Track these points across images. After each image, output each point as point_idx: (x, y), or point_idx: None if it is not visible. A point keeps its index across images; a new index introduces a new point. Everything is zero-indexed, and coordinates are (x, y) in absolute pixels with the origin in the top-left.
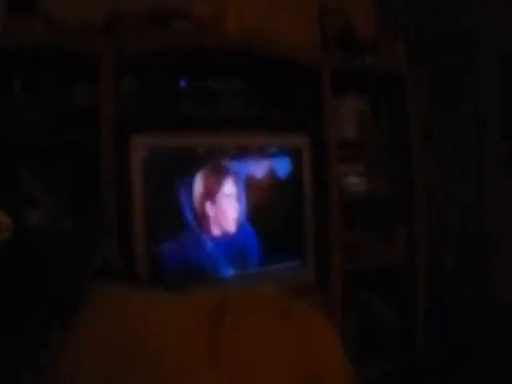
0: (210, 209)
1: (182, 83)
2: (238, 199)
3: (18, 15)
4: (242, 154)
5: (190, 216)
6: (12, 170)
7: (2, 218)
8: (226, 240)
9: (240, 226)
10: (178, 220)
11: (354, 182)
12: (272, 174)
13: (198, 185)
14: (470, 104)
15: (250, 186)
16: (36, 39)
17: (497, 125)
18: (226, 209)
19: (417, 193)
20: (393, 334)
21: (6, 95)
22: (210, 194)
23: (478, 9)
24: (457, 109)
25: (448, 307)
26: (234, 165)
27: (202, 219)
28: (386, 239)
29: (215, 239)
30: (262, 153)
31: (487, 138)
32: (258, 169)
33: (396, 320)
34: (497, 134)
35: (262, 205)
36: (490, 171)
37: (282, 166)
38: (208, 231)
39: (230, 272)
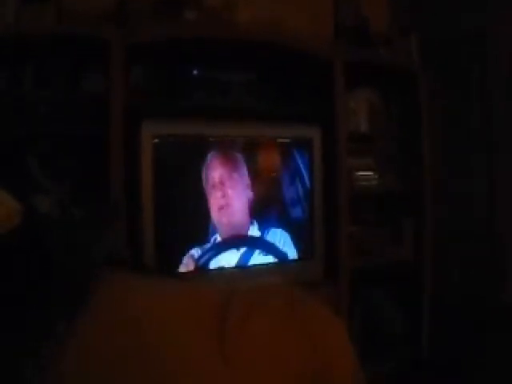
0: (218, 199)
1: (194, 72)
2: (248, 190)
3: (31, 3)
4: (253, 144)
5: (198, 205)
6: (22, 158)
7: (12, 204)
8: (235, 231)
9: (249, 218)
10: (186, 209)
11: (364, 175)
12: (282, 165)
13: (208, 174)
14: (480, 101)
15: (259, 178)
16: (48, 27)
17: (506, 122)
18: (235, 199)
19: (426, 189)
20: (397, 331)
21: (18, 85)
22: (220, 183)
23: (490, 3)
24: (464, 106)
25: (453, 306)
26: (245, 155)
27: (210, 209)
28: (394, 235)
29: (224, 229)
30: (272, 144)
31: (496, 135)
32: (269, 160)
33: (400, 317)
34: (506, 132)
35: (272, 197)
36: (498, 170)
37: (293, 158)
38: (217, 221)
39: (237, 263)
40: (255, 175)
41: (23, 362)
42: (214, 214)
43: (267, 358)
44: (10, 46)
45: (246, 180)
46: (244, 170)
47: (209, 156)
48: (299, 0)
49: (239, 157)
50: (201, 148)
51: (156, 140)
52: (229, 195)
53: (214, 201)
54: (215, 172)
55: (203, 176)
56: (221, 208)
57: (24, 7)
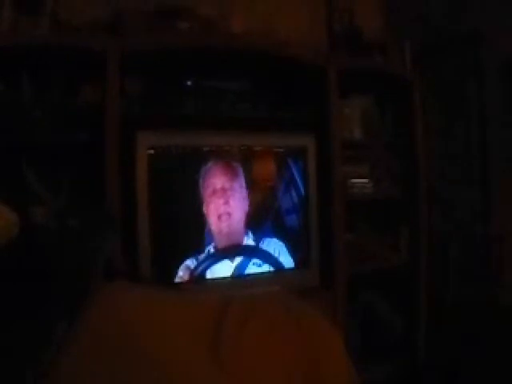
0: (214, 208)
1: (189, 82)
2: (243, 199)
3: (26, 14)
4: (248, 154)
5: (194, 215)
6: (18, 167)
7: (10, 215)
8: (230, 240)
9: (244, 227)
10: (182, 219)
11: (359, 183)
12: (277, 174)
13: (203, 184)
14: (474, 106)
15: (255, 187)
16: (43, 37)
17: (500, 127)
18: (231, 209)
19: (420, 195)
20: (394, 336)
21: (14, 94)
22: (215, 193)
23: (484, 8)
24: (460, 111)
25: (453, 306)
26: (240, 164)
27: (206, 219)
28: (390, 241)
29: (220, 238)
30: (267, 153)
31: (491, 139)
32: (263, 169)
33: (398, 322)
34: (501, 136)
35: (267, 206)
36: (493, 173)
37: (287, 167)
38: (212, 231)
39: (233, 272)
40: (250, 184)
41: (23, 369)
42: (213, 222)
43: (263, 361)
44: (6, 55)
45: (242, 189)
46: (242, 180)
47: (204, 166)
48: (293, 8)
49: (234, 166)
50: (196, 158)
51: (151, 151)
52: (230, 203)
53: (215, 208)
54: (217, 179)
55: (200, 185)
56: (220, 216)
57: (19, 17)
